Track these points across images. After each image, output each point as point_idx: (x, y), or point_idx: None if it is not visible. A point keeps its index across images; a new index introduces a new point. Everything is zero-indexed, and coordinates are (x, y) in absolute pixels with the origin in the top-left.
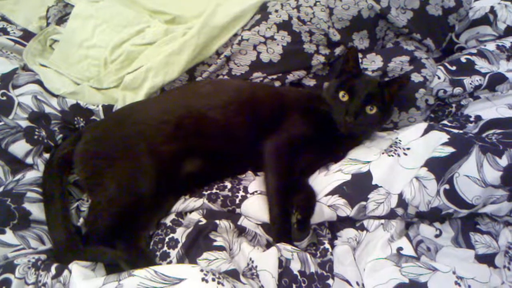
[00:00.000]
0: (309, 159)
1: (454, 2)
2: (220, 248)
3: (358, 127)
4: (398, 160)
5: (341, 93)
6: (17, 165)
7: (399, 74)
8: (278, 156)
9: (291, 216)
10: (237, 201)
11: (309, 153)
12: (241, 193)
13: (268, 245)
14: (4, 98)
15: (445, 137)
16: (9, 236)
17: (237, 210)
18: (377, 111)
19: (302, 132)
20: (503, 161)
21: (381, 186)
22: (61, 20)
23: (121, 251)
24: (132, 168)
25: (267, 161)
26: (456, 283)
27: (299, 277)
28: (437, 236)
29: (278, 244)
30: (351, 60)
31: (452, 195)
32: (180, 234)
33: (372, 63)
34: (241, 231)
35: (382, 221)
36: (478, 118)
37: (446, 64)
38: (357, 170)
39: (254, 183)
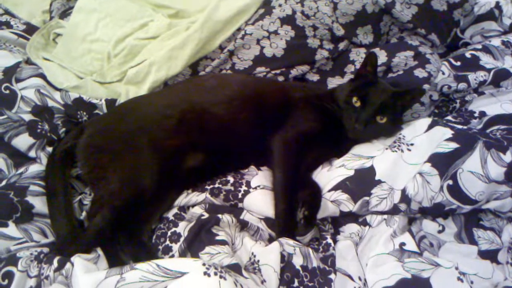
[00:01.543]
0: (314, 154)
1: None
2: (223, 242)
3: (366, 134)
4: (401, 156)
5: (354, 98)
6: (20, 158)
7: (403, 69)
8: (286, 152)
9: (296, 212)
10: (240, 195)
11: (314, 149)
12: (243, 187)
13: (271, 240)
14: (7, 91)
15: (449, 133)
16: (12, 229)
17: (240, 205)
18: (387, 121)
19: (309, 128)
20: (507, 157)
21: (384, 182)
22: (64, 14)
23: (123, 244)
24: (134, 162)
25: (275, 157)
26: (458, 278)
27: (301, 271)
28: (440, 231)
29: (280, 239)
30: (369, 65)
31: (456, 191)
32: (183, 228)
33: None
34: (244, 226)
35: (385, 216)
36: (482, 114)
37: (451, 60)
38: (360, 165)
39: (257, 177)
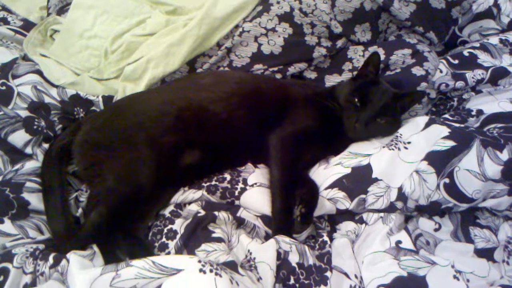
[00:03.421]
0: (312, 152)
1: None
2: (219, 240)
3: (365, 134)
4: (398, 154)
5: (355, 98)
6: (16, 155)
7: (401, 67)
8: (283, 149)
9: (293, 210)
10: (236, 193)
11: (312, 147)
12: (240, 185)
13: (267, 237)
14: (4, 88)
15: (446, 131)
16: (7, 226)
17: (236, 202)
18: (387, 122)
19: (307, 126)
20: (504, 155)
21: (381, 180)
22: (62, 10)
23: (119, 241)
24: (131, 159)
25: (272, 154)
26: (454, 277)
27: (297, 269)
28: (436, 230)
29: (276, 236)
30: (371, 65)
31: (452, 189)
32: (179, 225)
33: None
34: (240, 223)
35: (382, 214)
36: (479, 112)
37: (449, 58)
38: (357, 163)
39: (254, 175)
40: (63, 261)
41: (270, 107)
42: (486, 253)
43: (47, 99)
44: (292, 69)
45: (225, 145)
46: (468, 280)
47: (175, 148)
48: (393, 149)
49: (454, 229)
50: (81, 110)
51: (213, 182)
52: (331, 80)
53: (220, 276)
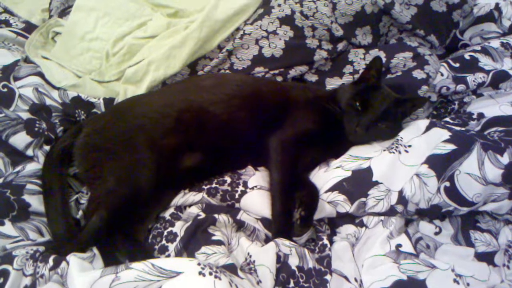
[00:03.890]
0: (312, 155)
1: None
2: (219, 243)
3: (366, 138)
4: (399, 157)
5: (357, 102)
6: (17, 157)
7: (402, 70)
8: (283, 152)
9: (293, 213)
10: (237, 195)
11: (312, 150)
12: (240, 187)
13: (267, 240)
14: (5, 89)
15: (446, 134)
16: (8, 228)
17: (236, 205)
18: (387, 126)
19: (308, 128)
20: (505, 159)
21: (381, 183)
22: (64, 12)
23: (119, 243)
24: (132, 162)
25: (272, 157)
26: (454, 281)
27: (297, 272)
28: (436, 233)
29: (276, 239)
30: (373, 69)
31: (453, 192)
32: (179, 228)
33: None
34: (240, 226)
35: (382, 217)
36: (480, 115)
37: (450, 61)
38: (357, 166)
39: (254, 178)
40: (63, 263)
41: (271, 110)
42: (486, 257)
43: (48, 101)
44: (293, 72)
45: (225, 147)
46: (468, 284)
47: (176, 150)
48: (393, 152)
49: (455, 233)
50: (82, 112)
51: (214, 185)
52: (332, 83)
53: (220, 279)
